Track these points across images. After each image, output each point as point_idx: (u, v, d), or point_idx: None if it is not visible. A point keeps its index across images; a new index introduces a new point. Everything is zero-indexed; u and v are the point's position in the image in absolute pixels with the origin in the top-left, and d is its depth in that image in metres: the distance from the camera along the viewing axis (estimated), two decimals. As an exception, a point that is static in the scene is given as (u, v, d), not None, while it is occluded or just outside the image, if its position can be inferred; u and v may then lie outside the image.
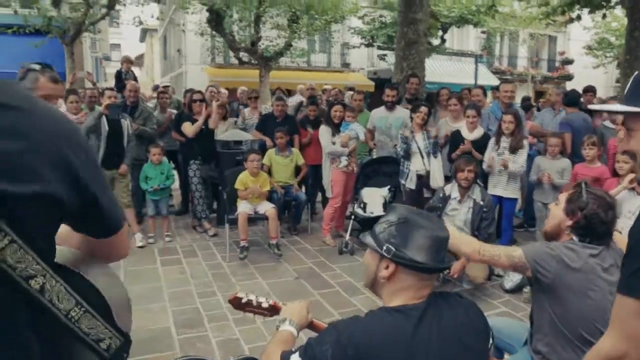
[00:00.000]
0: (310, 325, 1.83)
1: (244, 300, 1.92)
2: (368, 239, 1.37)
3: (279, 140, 5.81)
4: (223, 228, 5.53)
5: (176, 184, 6.70)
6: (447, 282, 4.50)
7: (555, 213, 2.07)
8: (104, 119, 5.26)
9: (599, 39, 21.72)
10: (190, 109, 6.04)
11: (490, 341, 1.40)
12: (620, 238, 2.01)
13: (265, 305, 1.93)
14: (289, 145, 5.97)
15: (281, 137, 5.81)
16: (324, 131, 5.57)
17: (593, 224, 1.95)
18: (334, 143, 5.50)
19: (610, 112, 1.42)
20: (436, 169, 5.24)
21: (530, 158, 5.29)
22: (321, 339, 1.29)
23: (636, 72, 1.18)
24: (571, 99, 5.86)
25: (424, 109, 5.26)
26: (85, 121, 5.33)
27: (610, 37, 21.28)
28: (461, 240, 2.06)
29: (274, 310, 1.94)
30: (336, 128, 5.54)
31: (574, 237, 2.00)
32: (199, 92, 6.28)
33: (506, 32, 24.15)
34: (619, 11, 13.19)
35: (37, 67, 2.37)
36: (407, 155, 5.31)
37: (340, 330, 1.27)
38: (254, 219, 5.33)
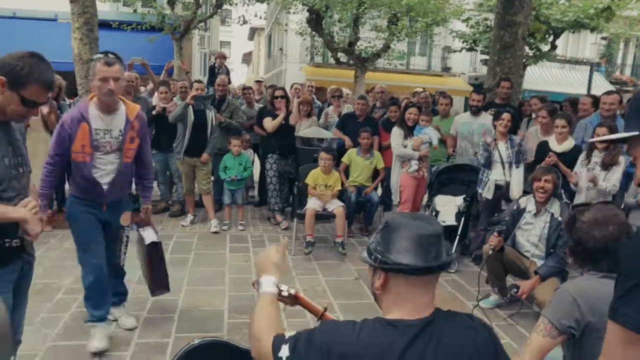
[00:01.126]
0: (297, 301, 1.79)
1: None
2: (364, 254, 1.32)
3: (364, 141, 5.75)
4: (294, 222, 5.63)
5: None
6: (516, 302, 4.19)
7: None
8: (190, 109, 5.60)
9: None
10: (272, 104, 6.22)
11: None
12: None
13: (285, 293, 1.94)
14: (371, 147, 5.92)
15: (367, 139, 5.75)
16: (396, 133, 5.45)
17: (582, 251, 1.79)
18: (405, 146, 5.35)
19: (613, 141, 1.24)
20: (515, 179, 4.89)
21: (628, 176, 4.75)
22: (311, 338, 1.23)
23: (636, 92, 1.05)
24: None
25: (506, 115, 4.92)
26: (174, 110, 5.71)
27: None
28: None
29: (294, 299, 1.94)
30: (409, 131, 5.39)
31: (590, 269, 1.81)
32: (281, 88, 6.45)
33: (632, 38, 21.95)
34: None
35: (99, 55, 2.58)
36: (488, 164, 5.02)
37: (330, 339, 1.20)
38: (326, 216, 5.36)
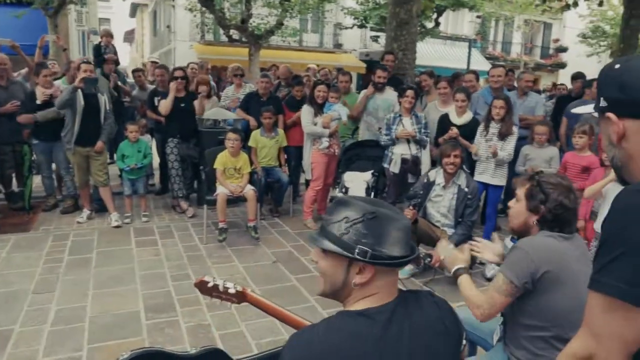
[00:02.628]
0: (257, 303, 1.75)
1: (210, 285, 1.82)
2: (326, 243, 1.16)
3: (267, 121, 5.63)
4: (202, 209, 5.38)
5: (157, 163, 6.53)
6: (429, 270, 4.40)
7: (519, 210, 2.02)
8: (79, 93, 5.05)
9: (594, 28, 21.58)
10: (165, 85, 5.88)
11: (464, 342, 1.28)
12: None
13: (232, 291, 1.82)
14: (275, 126, 5.80)
15: (269, 118, 5.62)
16: (305, 111, 5.40)
17: (559, 215, 1.90)
18: (315, 124, 5.33)
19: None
20: (425, 157, 5.11)
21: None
22: (283, 355, 1.13)
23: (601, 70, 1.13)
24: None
25: (410, 92, 5.09)
26: (60, 95, 5.12)
27: (605, 26, 21.13)
28: (469, 298, 1.99)
29: (241, 297, 1.83)
30: (319, 109, 5.37)
31: (544, 230, 1.94)
32: (180, 68, 6.07)
33: (501, 17, 23.91)
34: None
35: None
36: (392, 142, 5.16)
37: (300, 355, 1.10)
38: (235, 200, 5.17)
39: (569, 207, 1.90)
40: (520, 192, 2.04)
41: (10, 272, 4.05)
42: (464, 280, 2.06)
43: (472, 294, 1.99)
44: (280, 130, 5.85)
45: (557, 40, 26.18)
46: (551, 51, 26.29)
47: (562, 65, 25.15)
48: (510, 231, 2.14)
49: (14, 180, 5.75)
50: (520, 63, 23.54)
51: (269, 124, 5.66)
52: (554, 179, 1.99)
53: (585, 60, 21.57)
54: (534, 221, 1.96)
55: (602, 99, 1.08)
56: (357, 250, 1.12)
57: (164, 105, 5.62)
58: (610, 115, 1.05)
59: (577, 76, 7.07)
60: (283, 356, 1.11)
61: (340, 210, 1.18)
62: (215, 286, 1.77)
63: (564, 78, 18.59)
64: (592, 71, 5.16)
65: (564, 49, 25.57)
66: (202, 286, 1.78)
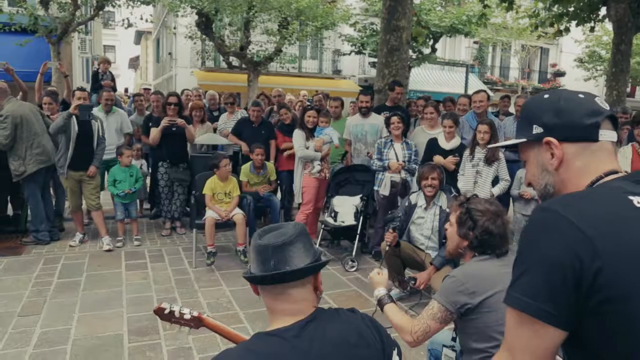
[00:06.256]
0: (214, 328, 1.81)
1: (167, 311, 1.86)
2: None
3: (258, 157, 5.62)
4: (193, 233, 5.43)
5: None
6: (416, 293, 4.42)
7: (452, 236, 2.10)
8: (74, 119, 5.18)
9: (590, 52, 21.84)
10: (162, 111, 6.00)
11: (395, 357, 1.32)
12: None
13: (187, 316, 1.87)
14: (264, 163, 5.81)
15: (260, 155, 5.64)
16: (297, 135, 5.50)
17: (486, 240, 1.97)
18: (307, 148, 5.42)
19: (506, 147, 1.44)
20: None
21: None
22: None
23: (524, 102, 1.22)
24: None
25: (394, 118, 5.21)
26: (55, 121, 5.25)
27: (600, 51, 21.40)
28: (399, 325, 2.02)
29: (198, 322, 1.88)
30: (310, 133, 5.48)
31: (475, 254, 2.02)
32: (174, 94, 6.20)
33: (498, 43, 24.26)
34: (610, 25, 13.27)
35: None
36: (384, 169, 5.24)
37: None
38: (226, 224, 5.24)
39: (496, 233, 1.97)
40: (453, 217, 2.13)
41: (-1, 295, 4.11)
42: (390, 308, 2.10)
43: (402, 321, 2.03)
44: (270, 164, 5.92)
45: (554, 65, 26.49)
46: (549, 75, 26.57)
47: (560, 90, 25.36)
48: (447, 255, 2.22)
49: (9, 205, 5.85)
50: (518, 87, 23.78)
51: (259, 161, 5.67)
52: (482, 205, 2.06)
53: (583, 84, 21.80)
54: (464, 246, 2.04)
55: (535, 126, 1.14)
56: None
57: (152, 136, 5.79)
58: (552, 139, 1.10)
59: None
60: None
61: None
62: (172, 312, 1.81)
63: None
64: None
65: (562, 74, 25.85)
66: (160, 312, 1.82)
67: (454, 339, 2.15)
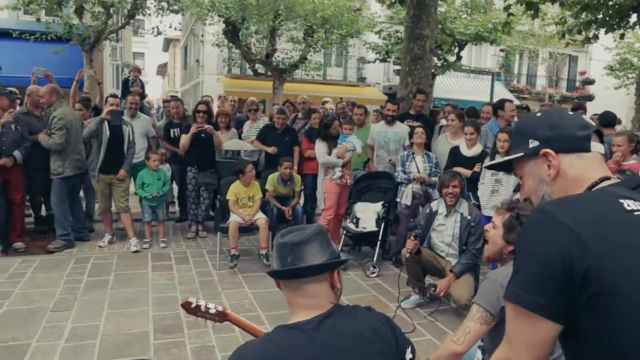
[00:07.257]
0: (237, 322, 1.91)
1: (193, 305, 1.96)
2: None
3: (286, 171, 5.66)
4: (217, 236, 5.56)
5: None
6: (435, 300, 4.43)
7: (495, 239, 2.08)
8: (105, 124, 5.39)
9: (621, 60, 21.39)
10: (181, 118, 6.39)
11: (409, 355, 1.38)
12: None
13: (212, 311, 1.97)
14: (292, 176, 5.84)
15: (289, 168, 5.68)
16: (319, 144, 5.59)
17: None
18: (329, 154, 5.50)
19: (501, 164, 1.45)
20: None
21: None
22: None
23: (517, 122, 1.29)
24: (607, 120, 5.73)
25: (418, 129, 5.30)
26: (88, 126, 5.47)
27: (632, 58, 20.94)
28: (443, 348, 2.03)
29: (222, 316, 1.97)
30: (334, 140, 5.55)
31: None
32: (204, 102, 6.35)
33: (525, 51, 23.98)
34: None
35: None
36: (408, 181, 5.30)
37: None
38: (249, 229, 5.35)
39: None
40: (498, 220, 2.13)
41: (33, 290, 4.30)
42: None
43: (443, 344, 2.07)
44: (297, 176, 5.95)
45: (583, 73, 26.02)
46: (578, 84, 26.11)
47: (590, 98, 24.88)
48: (485, 259, 2.22)
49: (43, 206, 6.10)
50: (545, 95, 23.44)
51: (287, 175, 5.71)
52: (530, 211, 2.08)
53: (613, 93, 21.35)
54: (508, 252, 2.05)
55: (530, 140, 1.21)
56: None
57: (182, 142, 5.96)
58: (549, 150, 1.18)
59: (576, 107, 7.14)
60: None
61: None
62: (198, 306, 1.92)
63: (591, 110, 18.42)
64: (620, 103, 5.16)
65: (591, 82, 25.36)
66: (187, 306, 1.93)
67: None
